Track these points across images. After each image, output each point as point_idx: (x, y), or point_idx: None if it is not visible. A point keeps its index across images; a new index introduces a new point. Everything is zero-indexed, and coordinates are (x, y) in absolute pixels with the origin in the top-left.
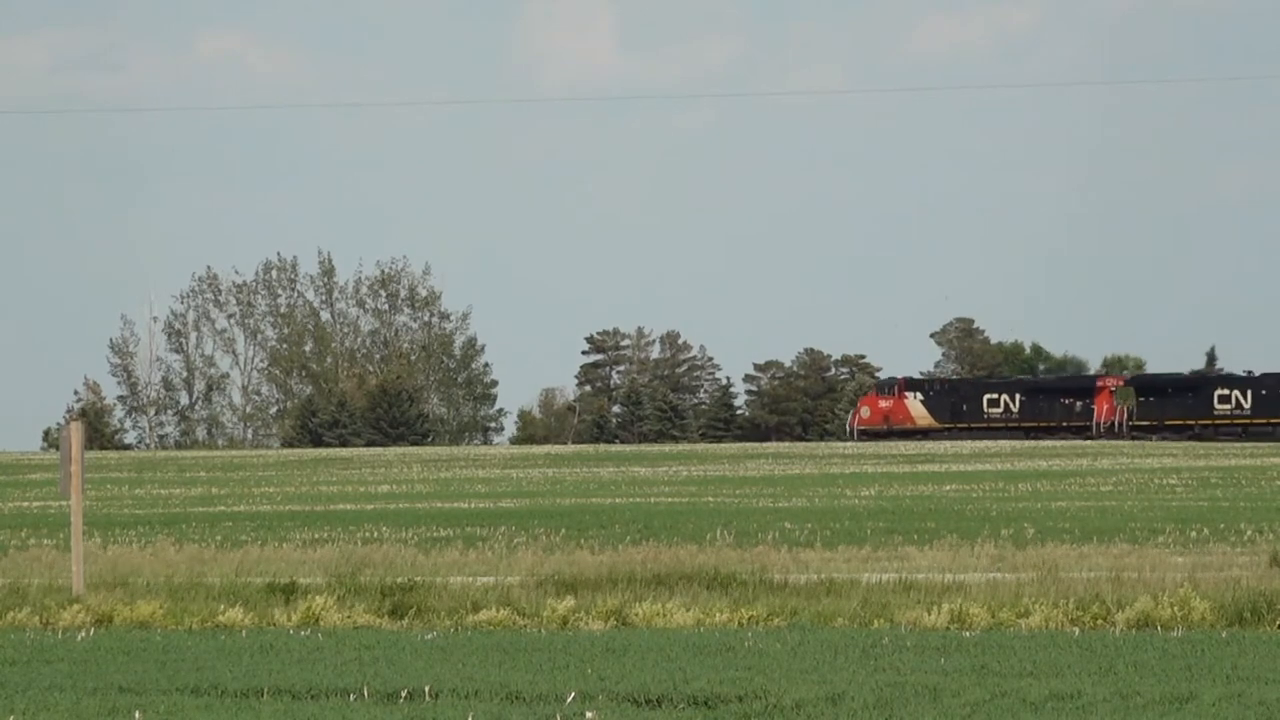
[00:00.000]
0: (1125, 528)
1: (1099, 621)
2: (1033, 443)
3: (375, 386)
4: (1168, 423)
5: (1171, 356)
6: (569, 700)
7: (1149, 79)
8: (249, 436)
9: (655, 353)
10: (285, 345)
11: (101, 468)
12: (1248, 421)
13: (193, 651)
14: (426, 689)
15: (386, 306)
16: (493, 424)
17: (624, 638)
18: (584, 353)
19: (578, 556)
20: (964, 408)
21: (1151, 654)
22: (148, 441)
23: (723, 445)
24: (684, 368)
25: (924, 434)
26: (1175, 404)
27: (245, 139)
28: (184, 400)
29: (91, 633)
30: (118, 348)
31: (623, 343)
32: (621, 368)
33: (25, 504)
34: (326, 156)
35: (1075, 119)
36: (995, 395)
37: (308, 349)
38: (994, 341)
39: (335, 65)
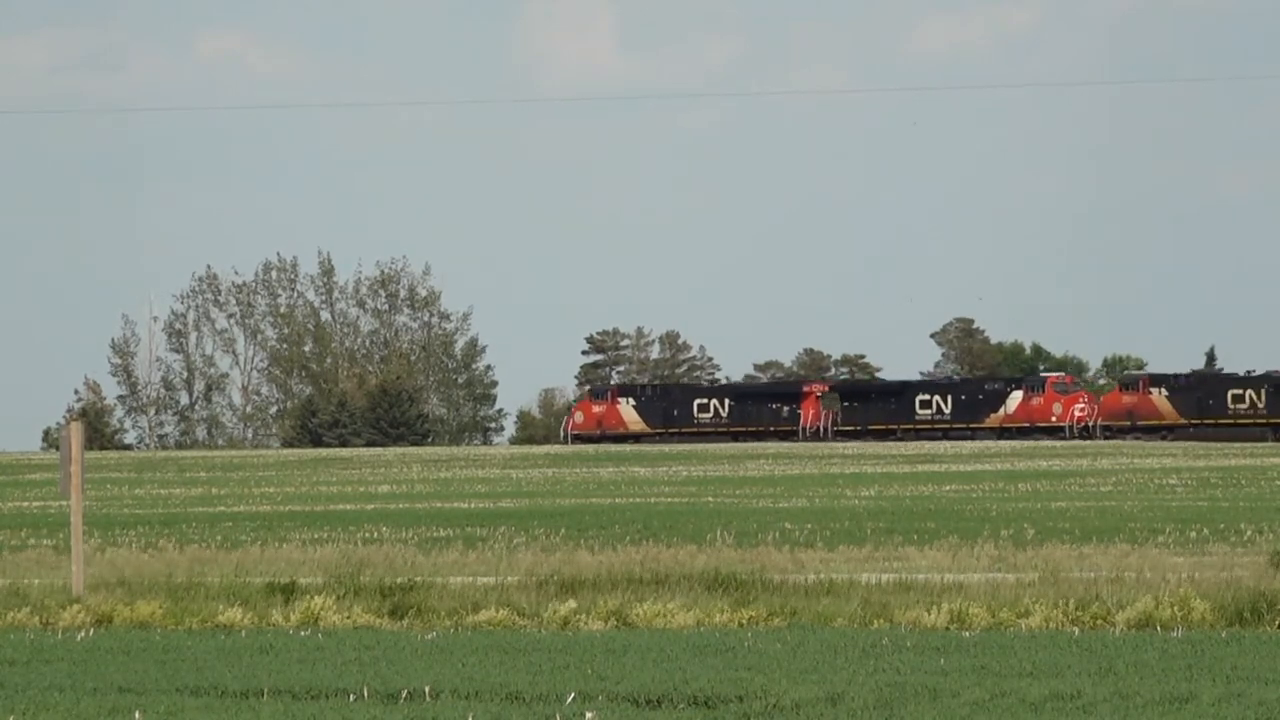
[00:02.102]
0: (1125, 528)
1: (1099, 621)
2: (1015, 443)
3: (375, 386)
4: (871, 427)
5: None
6: (569, 700)
7: (1149, 79)
8: (249, 436)
9: (655, 353)
10: (285, 345)
11: (101, 468)
12: (948, 425)
13: (193, 651)
14: (426, 689)
15: (386, 307)
16: (493, 424)
17: (624, 638)
18: (584, 353)
19: (578, 557)
20: (675, 413)
21: (1151, 654)
22: (148, 441)
23: (723, 445)
24: (684, 368)
25: (636, 438)
26: (878, 409)
27: (245, 139)
28: (184, 400)
29: (91, 633)
30: (118, 347)
31: (623, 343)
32: (621, 368)
33: (25, 504)
34: (326, 156)
35: (1075, 119)
36: (705, 400)
37: (308, 349)
38: (994, 341)
39: (335, 65)
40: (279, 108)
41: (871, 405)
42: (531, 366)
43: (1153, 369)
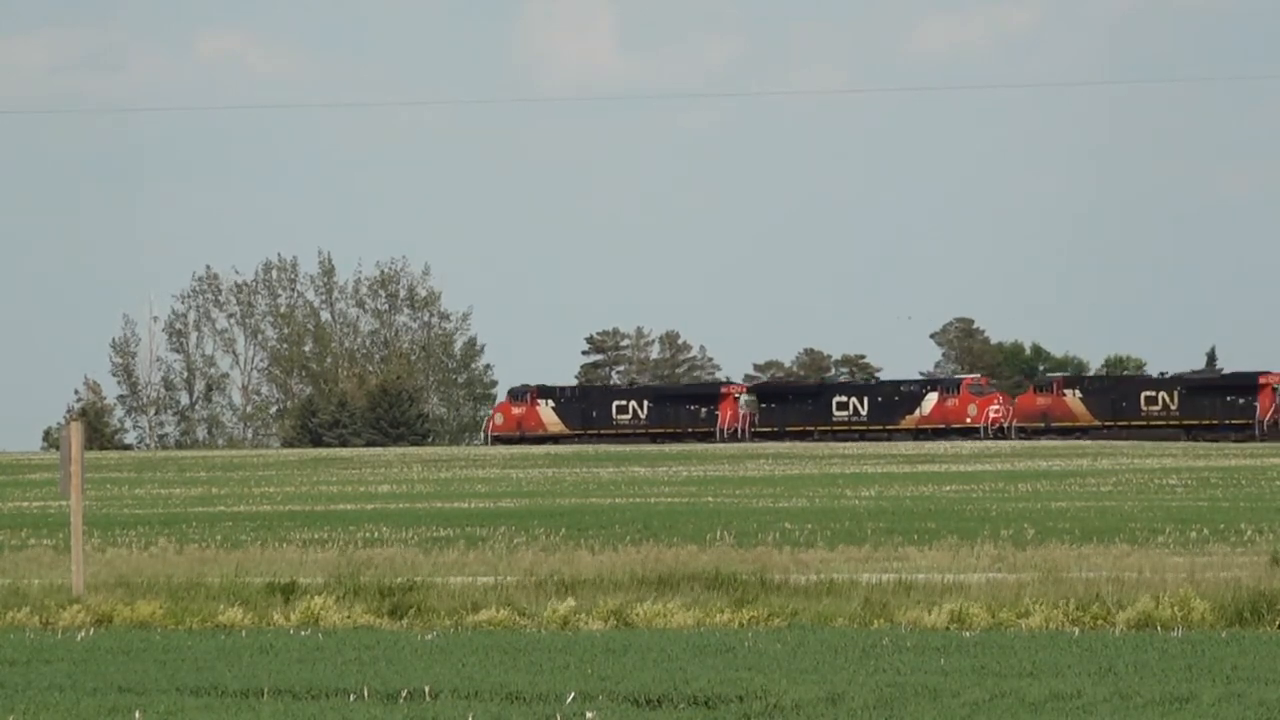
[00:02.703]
0: (1125, 528)
1: (1099, 621)
2: (1023, 444)
3: (375, 386)
4: (788, 428)
5: (1172, 356)
6: (569, 700)
7: (1149, 79)
8: (249, 436)
9: (655, 353)
10: (285, 345)
11: (101, 468)
12: (864, 427)
13: (193, 651)
14: (426, 689)
15: (386, 307)
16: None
17: (624, 638)
18: (584, 353)
19: (577, 556)
20: (594, 414)
21: (1151, 654)
22: (148, 441)
23: (723, 445)
24: (684, 368)
25: (555, 440)
26: (796, 410)
27: (245, 139)
28: (184, 400)
29: (91, 633)
30: (118, 347)
31: (622, 343)
32: (621, 368)
33: (25, 504)
34: (326, 156)
35: (1075, 119)
36: (624, 402)
37: (308, 349)
38: (994, 342)
39: (335, 65)
40: (279, 108)
41: (789, 407)
42: (532, 367)
43: (1152, 369)
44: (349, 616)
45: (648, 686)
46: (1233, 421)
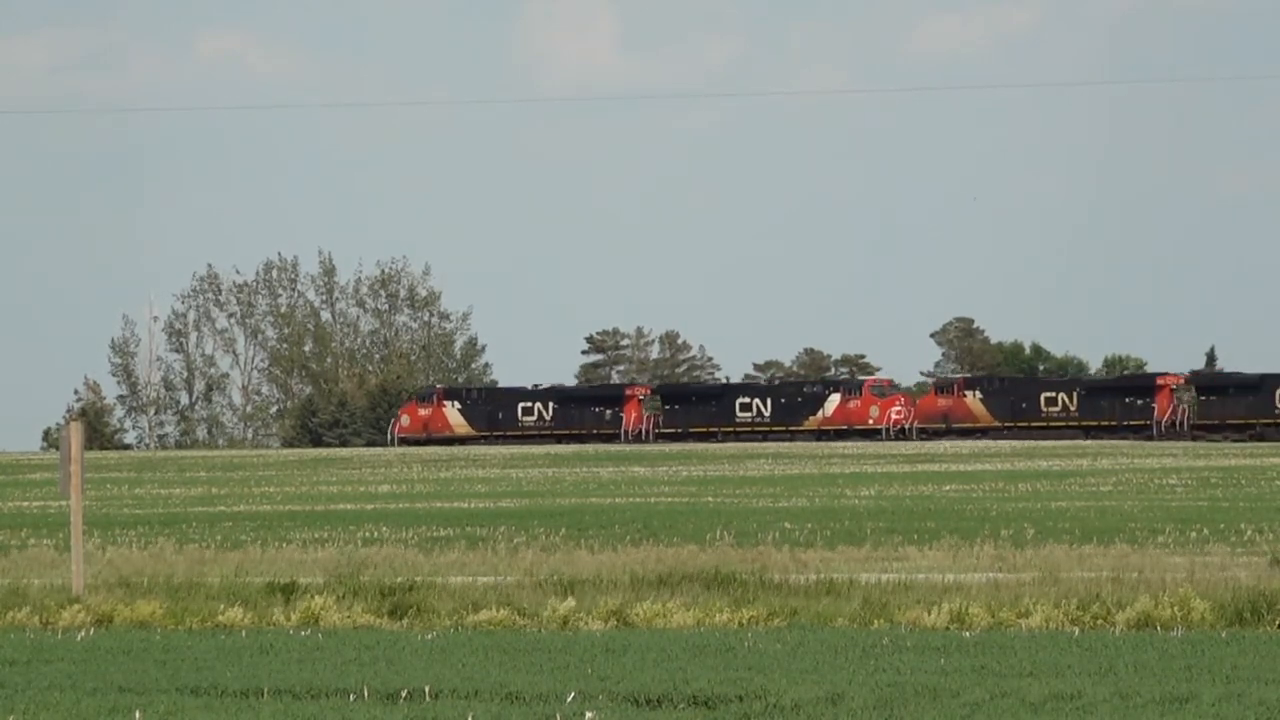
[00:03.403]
0: (1125, 528)
1: (1099, 621)
2: (1031, 443)
3: (375, 386)
4: (692, 430)
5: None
6: (569, 700)
7: (1149, 79)
8: (249, 436)
9: (655, 353)
10: (285, 345)
11: (101, 468)
12: (767, 428)
13: (193, 651)
14: (426, 689)
15: (386, 307)
16: None
17: (624, 638)
18: (584, 353)
19: (577, 556)
20: (499, 416)
21: (1151, 654)
22: (148, 441)
23: (723, 445)
24: (683, 368)
25: (461, 441)
26: (699, 412)
27: (245, 139)
28: (184, 400)
29: (91, 633)
30: (118, 347)
31: (622, 343)
32: (621, 368)
33: (25, 504)
34: (326, 156)
35: (1075, 119)
36: (529, 404)
37: (308, 349)
38: (994, 341)
39: (335, 65)
40: (279, 108)
41: (692, 408)
42: (531, 367)
43: (1153, 367)
44: (349, 616)
45: (648, 686)
46: (1131, 422)
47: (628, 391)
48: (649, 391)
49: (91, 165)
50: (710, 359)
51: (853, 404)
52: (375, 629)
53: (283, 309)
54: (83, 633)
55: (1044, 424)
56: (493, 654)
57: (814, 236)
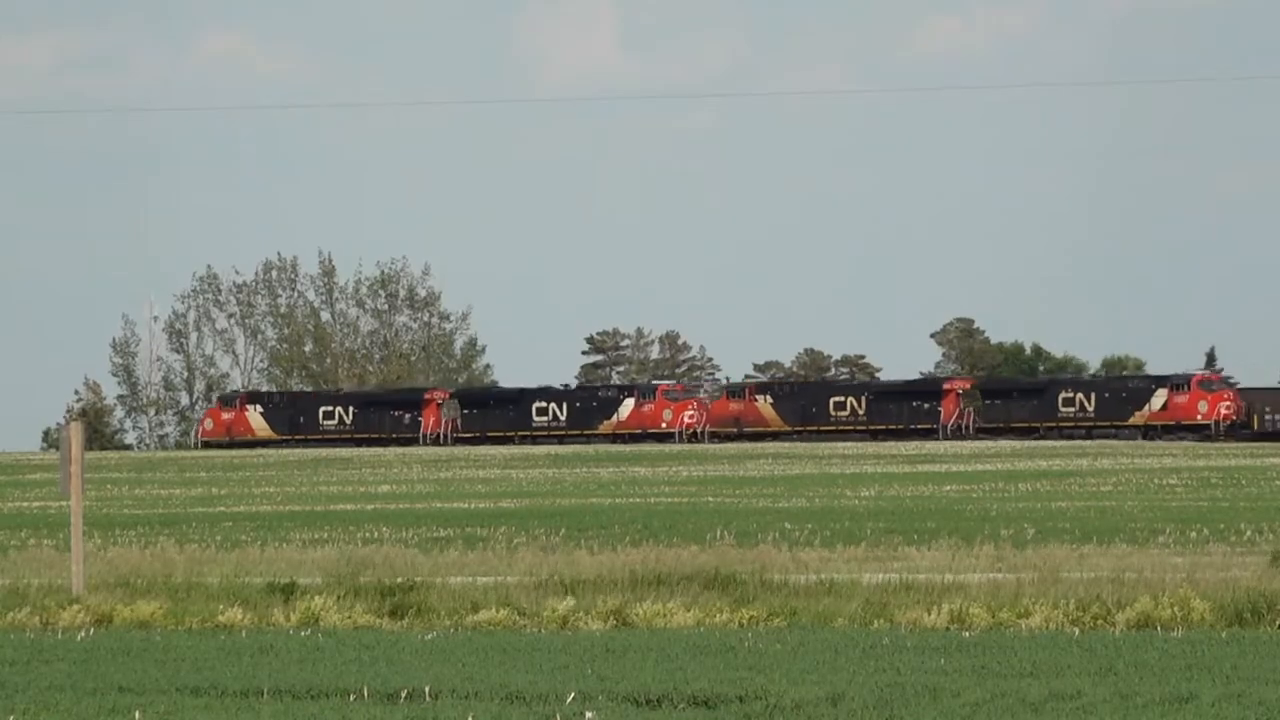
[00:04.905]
0: (1125, 528)
1: (1099, 621)
2: (1031, 443)
3: (375, 387)
4: (490, 433)
5: (1172, 356)
6: (569, 700)
7: (1149, 79)
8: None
9: (655, 353)
10: (285, 345)
11: (101, 468)
12: (563, 432)
13: (192, 651)
14: (426, 689)
15: (386, 307)
16: None
17: (624, 638)
18: (584, 353)
19: (577, 556)
20: (301, 420)
21: (1151, 654)
22: (148, 441)
23: (723, 445)
24: (684, 368)
25: (264, 445)
26: (497, 416)
27: (247, 139)
28: (184, 400)
29: (91, 633)
30: (118, 347)
31: (622, 343)
32: (621, 368)
33: (25, 504)
34: (326, 156)
35: (1075, 119)
36: (330, 408)
37: (308, 349)
38: (994, 342)
39: (336, 65)
40: (279, 108)
41: (490, 412)
42: (531, 367)
43: (1152, 368)
44: (349, 616)
45: (647, 686)
46: (918, 426)
47: (426, 396)
48: (448, 396)
49: (92, 165)
50: (710, 359)
51: (646, 408)
52: (375, 629)
53: (282, 309)
54: (82, 633)
55: (833, 428)
56: (492, 654)
57: (814, 236)
